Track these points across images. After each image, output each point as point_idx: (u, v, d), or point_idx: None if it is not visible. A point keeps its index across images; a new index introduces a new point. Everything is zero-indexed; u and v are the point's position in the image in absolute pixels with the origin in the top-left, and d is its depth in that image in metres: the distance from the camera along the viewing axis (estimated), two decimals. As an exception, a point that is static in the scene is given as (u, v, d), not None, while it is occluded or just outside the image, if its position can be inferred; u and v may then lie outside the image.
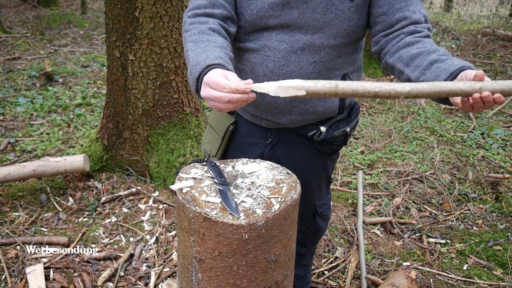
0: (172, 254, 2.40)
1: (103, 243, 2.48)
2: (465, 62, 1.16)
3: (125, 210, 2.77)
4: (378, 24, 1.37)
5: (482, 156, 3.73)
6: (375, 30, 1.40)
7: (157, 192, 2.94)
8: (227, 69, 1.14)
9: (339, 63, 1.42)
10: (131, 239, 2.52)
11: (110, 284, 2.18)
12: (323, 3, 1.30)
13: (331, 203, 2.95)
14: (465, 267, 2.40)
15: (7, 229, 2.51)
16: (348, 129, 1.53)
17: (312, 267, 2.36)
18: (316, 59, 1.37)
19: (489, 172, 3.45)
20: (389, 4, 1.32)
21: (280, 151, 1.55)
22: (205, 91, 1.10)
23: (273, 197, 1.16)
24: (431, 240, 2.63)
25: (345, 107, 1.52)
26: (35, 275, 2.14)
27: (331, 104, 1.47)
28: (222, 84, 1.05)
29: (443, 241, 2.62)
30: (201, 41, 1.23)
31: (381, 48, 1.39)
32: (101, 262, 2.33)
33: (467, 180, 3.31)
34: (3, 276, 2.17)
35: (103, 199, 2.83)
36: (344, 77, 1.45)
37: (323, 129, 1.49)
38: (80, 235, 2.51)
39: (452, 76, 1.13)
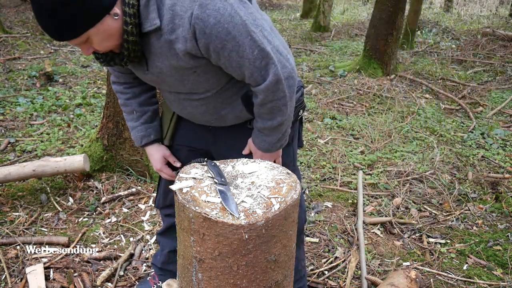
0: (172, 254, 2.40)
1: (103, 243, 2.48)
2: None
3: (125, 210, 2.77)
4: None
5: (482, 156, 3.73)
6: None
7: (157, 192, 2.94)
8: (152, 140, 1.68)
9: (228, 95, 1.46)
10: (131, 239, 2.52)
11: (110, 284, 2.18)
12: (177, 80, 1.39)
13: (330, 203, 2.95)
14: (465, 267, 2.40)
15: (7, 229, 2.51)
16: None
17: (312, 267, 2.36)
18: (203, 103, 1.47)
19: (489, 172, 3.45)
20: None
21: (224, 135, 1.61)
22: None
23: (273, 197, 1.16)
24: (431, 240, 2.63)
25: None
26: (35, 275, 2.13)
27: (238, 113, 1.52)
28: (155, 167, 1.72)
29: (443, 241, 2.62)
30: (128, 116, 1.68)
31: None
32: (101, 262, 2.33)
33: (467, 180, 3.31)
34: (3, 276, 2.17)
35: (103, 199, 2.83)
36: (246, 97, 1.47)
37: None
38: (80, 235, 2.51)
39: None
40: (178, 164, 1.69)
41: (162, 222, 2.04)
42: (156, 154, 1.69)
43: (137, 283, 2.18)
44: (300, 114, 1.62)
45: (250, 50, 1.25)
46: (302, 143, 1.81)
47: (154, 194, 2.91)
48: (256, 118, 1.44)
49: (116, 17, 1.21)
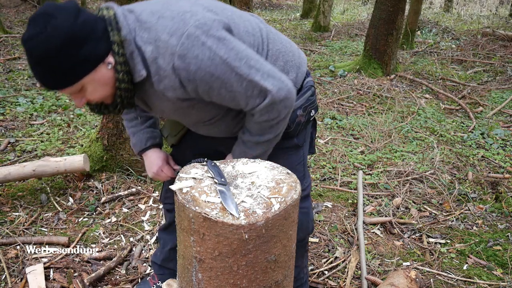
0: (172, 254, 2.40)
1: (103, 243, 2.48)
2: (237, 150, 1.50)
3: (125, 210, 2.77)
4: None
5: (482, 156, 3.73)
6: None
7: (157, 192, 2.94)
8: (157, 143, 1.71)
9: (235, 114, 1.48)
10: (131, 239, 2.52)
11: (110, 284, 2.18)
12: (181, 115, 1.46)
13: (330, 203, 2.95)
14: (465, 267, 2.41)
15: (7, 229, 2.51)
16: None
17: (312, 267, 2.36)
18: (214, 126, 1.51)
19: (489, 172, 3.45)
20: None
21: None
22: (145, 163, 1.72)
23: (273, 197, 1.16)
24: (431, 240, 2.63)
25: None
26: (35, 275, 2.13)
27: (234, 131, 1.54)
28: (154, 168, 1.68)
29: (443, 241, 2.62)
30: (130, 123, 1.71)
31: None
32: (101, 262, 2.33)
33: (467, 180, 3.31)
34: (3, 276, 2.17)
35: (103, 199, 2.83)
36: None
37: None
38: (80, 235, 2.51)
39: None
40: (177, 167, 1.70)
41: (164, 218, 2.04)
42: (159, 154, 1.69)
43: (137, 283, 2.18)
44: (312, 114, 1.59)
45: (238, 84, 1.27)
46: (314, 149, 1.78)
47: (154, 194, 2.91)
48: (245, 130, 1.45)
49: (110, 66, 1.24)
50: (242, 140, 1.47)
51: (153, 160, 1.68)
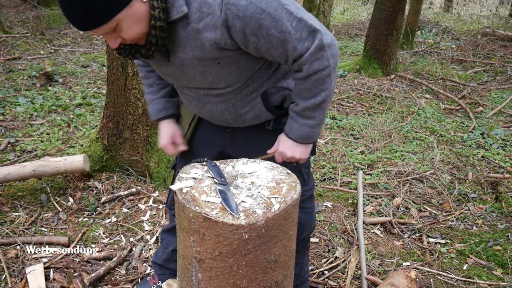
0: (172, 254, 2.40)
1: (103, 243, 2.48)
2: (289, 128, 1.45)
3: (125, 210, 2.77)
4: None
5: (482, 156, 3.73)
6: None
7: (157, 192, 2.94)
8: (170, 114, 1.68)
9: (248, 92, 1.45)
10: (131, 239, 2.52)
11: (110, 284, 2.18)
12: (199, 72, 1.37)
13: (330, 203, 2.95)
14: (465, 267, 2.41)
15: (7, 229, 2.51)
16: None
17: (312, 267, 2.36)
18: (223, 99, 1.46)
19: (489, 172, 3.45)
20: (270, 55, 1.31)
21: (241, 137, 1.60)
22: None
23: (273, 197, 1.16)
24: (431, 240, 2.63)
25: (281, 105, 1.51)
26: (35, 275, 2.13)
27: (257, 113, 1.51)
28: (160, 143, 1.67)
29: (443, 241, 2.62)
30: (148, 89, 1.69)
31: None
32: (101, 262, 2.33)
33: (467, 180, 3.31)
34: (3, 276, 2.17)
35: (103, 199, 2.83)
36: (265, 95, 1.47)
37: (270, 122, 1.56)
38: (80, 235, 2.51)
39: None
40: (182, 148, 1.67)
41: (169, 221, 2.04)
42: (168, 130, 1.68)
43: (137, 283, 2.18)
44: None
45: (288, 23, 1.23)
46: (315, 150, 1.78)
47: (154, 194, 2.91)
48: (296, 99, 1.40)
49: (144, 0, 1.19)
50: (296, 113, 1.41)
51: (162, 134, 1.68)
